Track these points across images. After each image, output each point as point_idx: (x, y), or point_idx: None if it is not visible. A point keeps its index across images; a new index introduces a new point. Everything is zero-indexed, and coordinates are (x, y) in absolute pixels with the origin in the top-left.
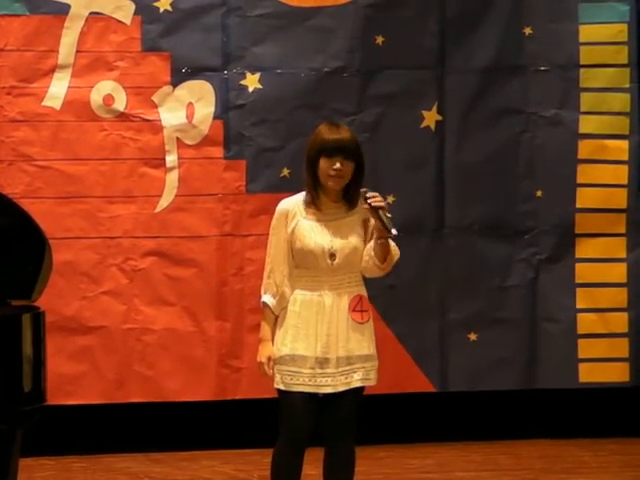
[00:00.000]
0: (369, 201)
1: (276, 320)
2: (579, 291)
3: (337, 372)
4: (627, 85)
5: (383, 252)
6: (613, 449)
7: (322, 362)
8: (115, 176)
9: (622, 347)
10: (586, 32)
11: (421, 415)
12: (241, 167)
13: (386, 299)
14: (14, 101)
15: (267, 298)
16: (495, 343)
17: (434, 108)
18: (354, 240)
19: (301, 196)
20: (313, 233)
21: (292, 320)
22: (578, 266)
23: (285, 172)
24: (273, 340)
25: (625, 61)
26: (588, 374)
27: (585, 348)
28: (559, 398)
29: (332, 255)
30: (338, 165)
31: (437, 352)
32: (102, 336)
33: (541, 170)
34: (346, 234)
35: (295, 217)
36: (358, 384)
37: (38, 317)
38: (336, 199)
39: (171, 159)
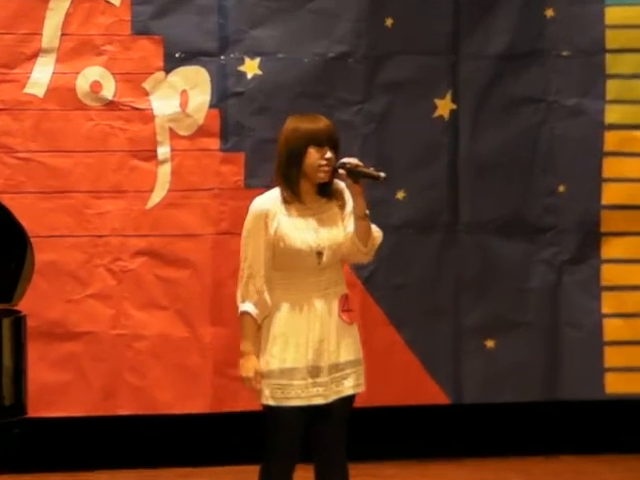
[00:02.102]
0: (346, 164)
1: (258, 330)
2: (605, 295)
3: (329, 380)
4: None
5: (365, 233)
6: (633, 466)
7: (313, 371)
8: (103, 169)
9: None
10: (613, 14)
11: (432, 428)
12: (239, 160)
13: (394, 301)
14: None
15: (248, 306)
16: (513, 350)
17: (447, 96)
18: (339, 235)
19: (276, 194)
20: (298, 231)
21: (279, 329)
22: (604, 267)
23: None
24: (256, 352)
25: None
26: (615, 384)
27: (611, 356)
28: (578, 410)
29: (319, 253)
30: (330, 154)
31: (450, 360)
32: (89, 342)
33: (563, 163)
34: (331, 229)
35: (276, 216)
36: (350, 392)
37: (19, 322)
38: (315, 192)
39: (163, 151)
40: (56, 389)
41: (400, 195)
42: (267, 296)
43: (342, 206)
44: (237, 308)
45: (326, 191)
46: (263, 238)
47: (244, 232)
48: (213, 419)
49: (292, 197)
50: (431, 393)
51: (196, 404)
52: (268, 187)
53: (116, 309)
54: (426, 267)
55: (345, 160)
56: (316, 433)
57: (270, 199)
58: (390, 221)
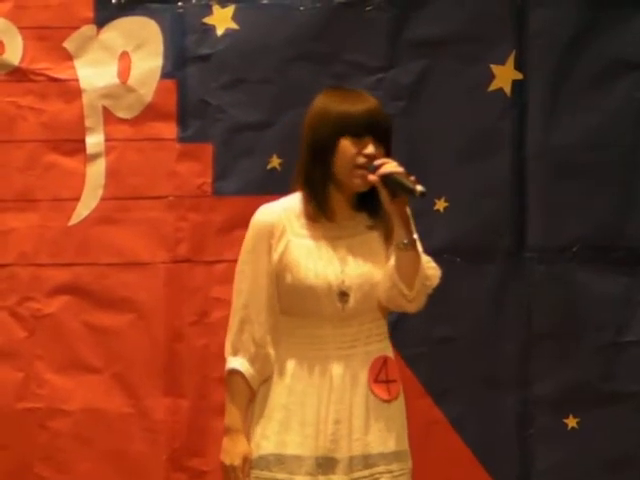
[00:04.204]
0: (378, 165)
1: (252, 399)
2: None
3: None
4: None
5: (409, 269)
6: None
7: (326, 465)
8: (6, 168)
9: None
10: None
11: None
12: (205, 154)
13: (433, 363)
14: None
15: (239, 363)
16: (605, 433)
17: (510, 61)
18: (376, 271)
19: (292, 202)
20: (313, 259)
21: (279, 399)
22: None
23: (275, 162)
24: (248, 430)
25: None
26: None
27: None
28: None
29: (343, 294)
30: (371, 149)
31: (515, 448)
32: None
33: None
34: (365, 261)
35: (284, 235)
36: None
37: None
38: (350, 206)
39: (94, 141)
40: None
41: (440, 206)
42: (269, 351)
43: (390, 230)
44: (225, 364)
45: (368, 205)
46: (265, 266)
47: (240, 256)
48: None
49: (317, 212)
50: None
51: None
52: (246, 194)
53: (25, 372)
54: (479, 311)
55: (379, 162)
56: None
57: (280, 209)
58: (426, 243)
